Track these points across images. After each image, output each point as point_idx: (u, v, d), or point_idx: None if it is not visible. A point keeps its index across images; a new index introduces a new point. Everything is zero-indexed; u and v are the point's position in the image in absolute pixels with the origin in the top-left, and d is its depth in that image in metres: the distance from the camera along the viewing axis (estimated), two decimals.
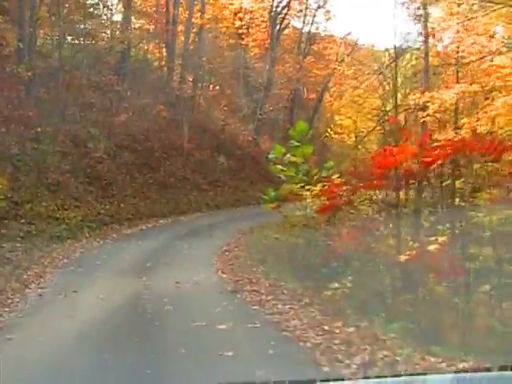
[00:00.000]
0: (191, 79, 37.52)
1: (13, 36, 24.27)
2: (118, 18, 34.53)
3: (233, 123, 39.31)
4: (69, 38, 27.30)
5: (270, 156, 16.60)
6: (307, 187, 14.12)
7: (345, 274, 12.02)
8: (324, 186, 13.87)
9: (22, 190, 18.81)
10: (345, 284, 10.96)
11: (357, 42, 48.95)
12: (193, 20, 37.15)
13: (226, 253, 16.19)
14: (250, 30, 44.47)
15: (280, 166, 15.85)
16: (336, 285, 11.05)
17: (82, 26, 27.37)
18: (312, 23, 46.39)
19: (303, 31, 46.84)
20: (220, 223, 24.10)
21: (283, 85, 43.70)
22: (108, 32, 31.56)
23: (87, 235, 19.31)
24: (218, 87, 43.24)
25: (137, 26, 35.38)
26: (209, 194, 31.29)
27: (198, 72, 37.02)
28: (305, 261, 13.51)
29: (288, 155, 15.77)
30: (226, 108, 41.50)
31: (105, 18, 31.72)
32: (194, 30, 38.44)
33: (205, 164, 33.08)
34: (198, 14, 37.90)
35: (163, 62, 36.64)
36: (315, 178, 15.01)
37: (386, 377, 4.08)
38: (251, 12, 44.71)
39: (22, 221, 17.56)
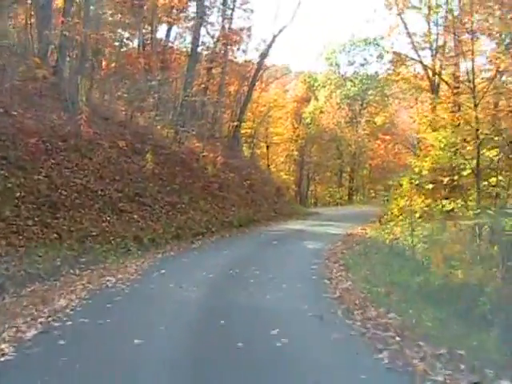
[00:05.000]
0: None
1: None
2: None
3: (137, 109, 23.23)
4: None
5: None
6: None
7: None
8: None
9: None
10: None
11: None
12: None
13: None
14: None
15: None
16: None
17: None
18: None
19: None
20: (210, 282, 9.42)
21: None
22: None
23: None
24: (104, 62, 26.64)
25: None
26: (133, 217, 15.66)
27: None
28: None
29: None
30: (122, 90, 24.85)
31: None
32: None
33: (118, 165, 17.36)
34: None
35: None
36: None
37: None
38: None
39: None
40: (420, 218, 15.67)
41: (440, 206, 17.94)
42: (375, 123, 43.20)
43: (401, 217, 15.76)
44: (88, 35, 17.56)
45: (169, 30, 29.85)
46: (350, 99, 46.18)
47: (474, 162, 16.78)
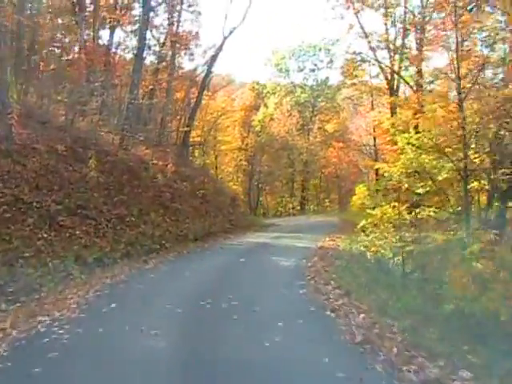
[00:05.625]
0: None
1: None
2: None
3: (79, 112, 20.49)
4: None
5: None
6: None
7: None
8: None
9: None
10: None
11: None
12: None
13: None
14: None
15: None
16: None
17: None
18: None
19: None
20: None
21: None
22: None
23: None
24: (42, 62, 23.55)
25: None
26: (75, 233, 13.15)
27: None
28: None
29: None
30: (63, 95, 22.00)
31: None
32: None
33: (57, 173, 14.78)
34: None
35: None
36: None
37: None
38: None
39: None
40: (393, 227, 13.72)
41: (414, 214, 16.17)
42: (326, 130, 41.63)
43: (382, 227, 13.68)
44: (22, 23, 14.91)
45: (112, 33, 27.33)
46: (300, 106, 44.41)
47: (454, 164, 15.08)
